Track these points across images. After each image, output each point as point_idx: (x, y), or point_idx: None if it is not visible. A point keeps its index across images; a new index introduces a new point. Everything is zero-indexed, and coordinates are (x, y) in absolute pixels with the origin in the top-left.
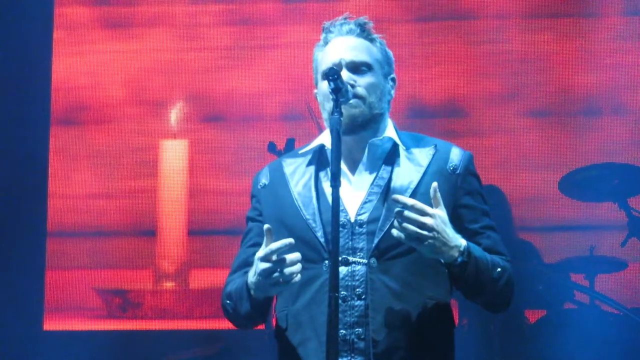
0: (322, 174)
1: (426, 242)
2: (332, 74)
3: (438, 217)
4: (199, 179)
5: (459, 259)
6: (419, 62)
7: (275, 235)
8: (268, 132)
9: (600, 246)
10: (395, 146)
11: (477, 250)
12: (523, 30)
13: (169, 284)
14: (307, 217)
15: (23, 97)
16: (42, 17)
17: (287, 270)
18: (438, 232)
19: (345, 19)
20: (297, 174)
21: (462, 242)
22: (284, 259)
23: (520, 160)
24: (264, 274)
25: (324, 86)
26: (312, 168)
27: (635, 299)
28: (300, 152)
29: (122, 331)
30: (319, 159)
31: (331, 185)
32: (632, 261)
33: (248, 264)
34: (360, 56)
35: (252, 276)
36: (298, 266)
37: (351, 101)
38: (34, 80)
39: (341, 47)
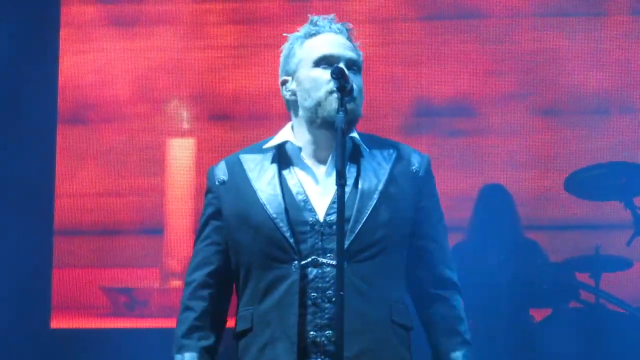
0: (285, 172)
1: None
2: (338, 73)
3: None
4: (205, 177)
5: None
6: (426, 61)
7: (238, 234)
8: (275, 131)
9: (606, 245)
10: (356, 146)
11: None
12: (531, 28)
13: (175, 283)
14: (274, 216)
15: (30, 96)
16: (49, 15)
17: None
18: None
19: (331, 18)
20: (259, 170)
21: None
22: None
23: (527, 159)
24: None
25: (316, 74)
26: (274, 165)
27: None
28: (262, 147)
29: (128, 329)
30: (281, 155)
31: (336, 184)
32: (638, 260)
33: (208, 262)
34: (354, 57)
35: None
36: None
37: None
38: (41, 79)
39: (338, 43)
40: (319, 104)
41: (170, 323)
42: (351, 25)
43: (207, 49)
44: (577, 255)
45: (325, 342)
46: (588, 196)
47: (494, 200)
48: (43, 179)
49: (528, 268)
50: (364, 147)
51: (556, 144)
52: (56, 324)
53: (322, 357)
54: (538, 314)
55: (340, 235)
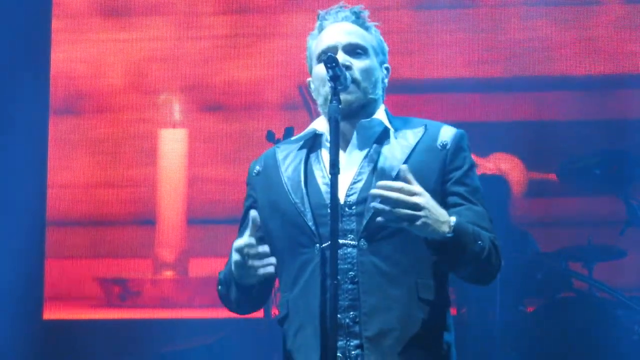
0: (312, 157)
1: (419, 222)
2: (330, 61)
3: (425, 194)
4: (198, 168)
5: (449, 234)
6: (417, 50)
7: (269, 222)
8: (267, 121)
9: (599, 235)
10: (386, 129)
11: (463, 224)
12: (522, 18)
13: (168, 273)
14: (296, 201)
15: (22, 87)
16: (41, 6)
17: (257, 264)
18: (429, 210)
19: (340, 7)
20: (289, 158)
21: (452, 218)
22: (256, 253)
23: (519, 148)
24: (237, 266)
25: (320, 70)
26: (303, 152)
27: (634, 287)
28: (294, 138)
29: (121, 320)
30: (311, 143)
31: (330, 173)
32: (631, 249)
33: None
34: (356, 40)
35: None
36: (269, 260)
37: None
38: (33, 70)
39: (337, 31)
40: (325, 100)
41: (162, 313)
42: (361, 7)
43: (199, 39)
44: (570, 244)
45: (350, 323)
46: (581, 185)
47: (486, 190)
48: (35, 169)
49: (521, 258)
50: (391, 130)
51: (547, 132)
52: (49, 314)
53: (348, 338)
54: (531, 303)
55: (334, 226)
